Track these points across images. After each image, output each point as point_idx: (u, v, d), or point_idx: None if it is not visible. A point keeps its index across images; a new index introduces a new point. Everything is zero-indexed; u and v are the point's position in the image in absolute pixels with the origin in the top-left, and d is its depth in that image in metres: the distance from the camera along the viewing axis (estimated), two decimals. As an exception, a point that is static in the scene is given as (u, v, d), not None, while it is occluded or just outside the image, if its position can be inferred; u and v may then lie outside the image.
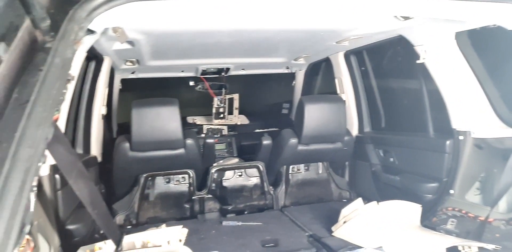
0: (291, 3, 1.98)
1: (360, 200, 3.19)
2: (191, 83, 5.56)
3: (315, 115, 3.69)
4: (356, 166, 4.34)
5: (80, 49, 2.30)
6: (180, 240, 2.74)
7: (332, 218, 3.26)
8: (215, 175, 4.02)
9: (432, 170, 3.31)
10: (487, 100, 2.96)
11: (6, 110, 1.05)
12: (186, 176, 3.91)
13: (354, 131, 4.33)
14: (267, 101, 6.61)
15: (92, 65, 3.48)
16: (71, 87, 2.38)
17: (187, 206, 3.93)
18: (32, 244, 1.69)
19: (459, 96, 3.05)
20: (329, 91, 4.79)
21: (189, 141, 3.55)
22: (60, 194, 2.32)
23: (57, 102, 1.15)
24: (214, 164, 4.26)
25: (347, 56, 4.35)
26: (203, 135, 5.22)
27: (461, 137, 3.08)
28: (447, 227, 2.91)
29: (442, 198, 3.19)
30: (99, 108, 3.58)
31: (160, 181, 3.89)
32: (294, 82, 5.76)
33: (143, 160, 3.48)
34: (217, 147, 5.28)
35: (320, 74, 5.49)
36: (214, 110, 5.49)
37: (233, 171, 4.11)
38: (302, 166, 4.32)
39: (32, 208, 1.04)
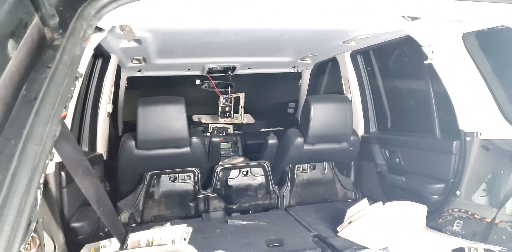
0: (298, 3, 1.97)
1: (365, 200, 3.18)
2: (197, 81, 5.58)
3: (321, 115, 3.68)
4: (362, 166, 4.33)
5: (88, 46, 2.29)
6: (185, 239, 2.74)
7: (337, 218, 3.25)
8: (220, 174, 4.01)
9: (438, 171, 3.30)
10: (494, 101, 2.94)
11: (14, 107, 1.05)
12: (191, 174, 3.91)
13: (360, 131, 4.31)
14: (273, 101, 6.61)
15: (99, 63, 3.49)
16: (78, 85, 2.38)
17: (192, 204, 3.94)
18: (38, 242, 1.69)
19: (466, 97, 3.04)
20: (335, 91, 4.78)
21: (194, 140, 3.55)
22: (66, 191, 2.33)
23: (65, 99, 1.14)
24: (220, 163, 4.27)
25: (353, 56, 4.33)
26: (208, 134, 5.21)
27: (468, 138, 3.07)
28: (453, 228, 2.89)
29: (448, 199, 3.19)
30: (105, 106, 3.59)
31: (165, 179, 3.89)
32: (300, 81, 5.75)
33: (148, 158, 3.48)
34: (223, 145, 5.28)
35: (326, 74, 5.48)
36: (220, 109, 5.50)
37: (238, 170, 4.10)
38: (307, 166, 4.32)
39: (38, 206, 1.04)
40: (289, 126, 4.50)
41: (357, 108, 4.33)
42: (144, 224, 3.67)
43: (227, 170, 4.07)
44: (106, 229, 2.76)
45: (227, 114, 5.45)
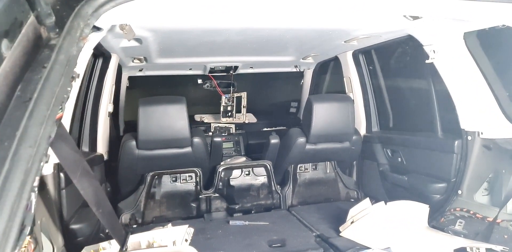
0: (299, 2, 1.96)
1: (367, 200, 3.16)
2: (199, 81, 5.57)
3: (323, 114, 3.66)
4: (364, 166, 4.31)
5: (86, 46, 2.27)
6: (186, 240, 2.72)
7: (339, 218, 3.24)
8: (222, 174, 4.00)
9: (440, 170, 3.28)
10: (495, 100, 2.93)
11: (8, 108, 1.03)
12: (193, 174, 3.90)
13: (362, 130, 4.30)
14: (275, 100, 6.59)
15: (99, 62, 3.47)
16: (76, 85, 2.37)
17: (193, 205, 3.92)
18: (33, 246, 1.67)
19: (468, 96, 3.03)
20: (337, 91, 4.76)
21: (196, 139, 3.53)
22: (64, 192, 2.30)
23: (60, 100, 1.13)
24: (222, 163, 4.25)
25: (355, 55, 4.31)
26: (210, 133, 5.20)
27: (469, 137, 3.06)
28: (455, 228, 2.88)
29: (450, 198, 3.17)
30: (106, 106, 3.58)
31: (166, 180, 3.87)
32: (302, 81, 5.74)
33: (149, 158, 3.47)
34: (225, 145, 5.26)
35: (328, 73, 5.47)
36: (222, 109, 5.48)
37: (240, 169, 4.09)
38: (309, 165, 4.30)
39: (33, 209, 1.02)
40: (291, 125, 4.48)
41: (359, 107, 4.32)
42: (145, 225, 3.65)
43: (229, 169, 4.05)
44: (106, 231, 2.74)
45: (229, 113, 5.43)
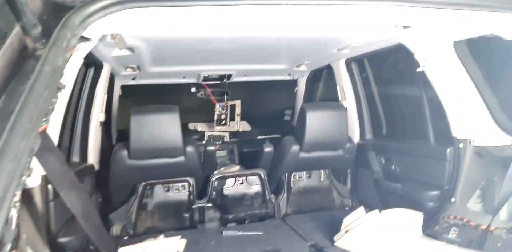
0: (291, 12, 1.95)
1: (362, 208, 3.14)
2: (193, 89, 5.54)
3: (316, 122, 3.65)
4: (358, 174, 4.30)
5: (76, 56, 2.27)
6: None
7: (334, 227, 3.21)
8: (216, 183, 3.96)
9: (433, 178, 3.28)
10: (486, 108, 2.95)
11: (-9, 120, 1.01)
12: (186, 184, 3.86)
13: (356, 138, 4.29)
14: (269, 108, 6.58)
15: (91, 71, 3.45)
16: (65, 95, 2.34)
17: (186, 215, 3.87)
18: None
19: (458, 104, 3.04)
20: (331, 98, 4.76)
21: (189, 149, 3.50)
22: (52, 205, 2.25)
23: (44, 112, 1.11)
24: (215, 172, 4.22)
25: (348, 63, 4.33)
26: (204, 142, 5.17)
27: (461, 145, 3.07)
28: (449, 236, 2.87)
29: (444, 206, 3.16)
30: (97, 115, 3.55)
31: (159, 190, 3.82)
32: (296, 89, 5.73)
33: (141, 168, 3.43)
34: (219, 154, 5.25)
35: (322, 81, 5.47)
36: (215, 117, 5.45)
37: (234, 178, 4.06)
38: (304, 174, 4.29)
39: (14, 225, 0.99)
40: (286, 133, 4.46)
41: (352, 115, 4.32)
42: (137, 236, 3.59)
43: (223, 179, 4.02)
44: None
45: (223, 122, 5.41)
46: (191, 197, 3.86)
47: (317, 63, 4.79)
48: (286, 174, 4.15)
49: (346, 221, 3.07)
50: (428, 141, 3.42)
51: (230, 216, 3.92)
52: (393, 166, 3.77)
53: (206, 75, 4.95)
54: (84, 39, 1.58)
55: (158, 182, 3.77)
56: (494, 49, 2.77)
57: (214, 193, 3.94)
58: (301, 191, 4.24)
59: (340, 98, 4.46)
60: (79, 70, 3.20)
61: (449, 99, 3.10)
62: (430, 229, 3.13)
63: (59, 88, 1.29)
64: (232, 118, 5.40)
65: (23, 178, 1.00)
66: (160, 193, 3.83)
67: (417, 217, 3.04)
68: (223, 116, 5.40)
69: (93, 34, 1.60)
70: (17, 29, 1.24)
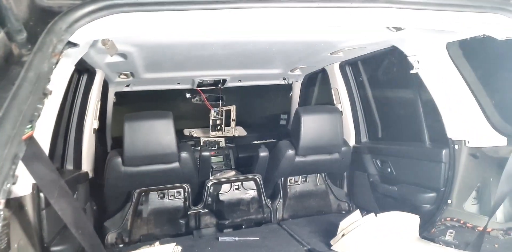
0: (284, 16, 1.95)
1: (358, 212, 3.13)
2: (188, 95, 5.54)
3: (311, 126, 3.65)
4: (354, 177, 4.28)
5: (66, 62, 2.25)
6: (173, 258, 2.66)
7: (331, 231, 3.19)
8: (211, 189, 3.94)
9: (429, 180, 3.27)
10: (480, 109, 2.95)
11: (-26, 128, 0.99)
12: (181, 190, 3.84)
13: (351, 141, 4.28)
14: (264, 113, 6.58)
15: (84, 78, 3.42)
16: (54, 102, 2.31)
17: (182, 221, 3.84)
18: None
19: (453, 105, 3.05)
20: (326, 102, 4.76)
21: (183, 154, 3.48)
22: (45, 213, 2.22)
23: (29, 118, 1.09)
24: (211, 177, 4.20)
25: (342, 67, 4.33)
26: (199, 148, 5.15)
27: (456, 146, 3.07)
28: (445, 238, 2.85)
29: (441, 208, 3.15)
30: (91, 123, 3.52)
31: (154, 196, 3.80)
32: (291, 93, 5.73)
33: (136, 175, 3.40)
34: (215, 159, 5.23)
35: (316, 85, 5.47)
36: (211, 123, 5.43)
37: (229, 184, 4.03)
38: (300, 178, 4.28)
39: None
40: (282, 138, 4.45)
41: (347, 118, 4.31)
42: (132, 244, 3.56)
43: (218, 184, 3.99)
44: None
45: (219, 127, 5.39)
46: (187, 203, 3.84)
47: (311, 67, 4.79)
48: (282, 179, 4.14)
49: (343, 224, 3.05)
50: (424, 143, 3.43)
51: (226, 222, 3.90)
52: (389, 169, 3.77)
53: (200, 81, 4.94)
54: (72, 44, 1.56)
55: (153, 188, 3.75)
56: (487, 50, 2.78)
57: (209, 199, 3.92)
58: (297, 195, 4.23)
59: (335, 102, 4.46)
60: (72, 77, 3.25)
61: (443, 100, 3.11)
62: (427, 231, 3.11)
63: (46, 94, 1.27)
64: (227, 124, 5.38)
65: (7, 185, 0.98)
66: (155, 200, 3.81)
67: (413, 220, 3.02)
68: (218, 122, 5.39)
69: (81, 39, 1.58)
70: (1, 35, 1.22)
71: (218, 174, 4.69)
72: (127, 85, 4.92)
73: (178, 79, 4.89)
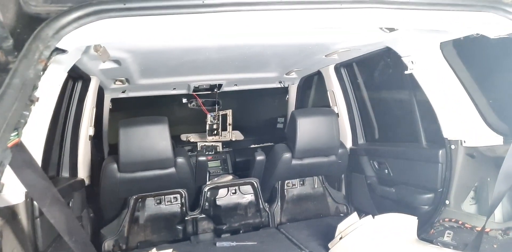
0: (272, 18, 1.94)
1: (355, 214, 3.11)
2: (184, 100, 5.54)
3: (307, 129, 3.64)
4: (352, 179, 4.27)
5: (58, 69, 2.25)
6: (170, 264, 2.64)
7: (329, 234, 3.17)
8: (208, 194, 3.91)
9: (427, 181, 3.25)
10: (475, 108, 2.94)
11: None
12: (178, 195, 3.81)
13: (348, 143, 4.27)
14: (261, 116, 6.58)
15: (78, 85, 3.42)
16: (47, 109, 2.30)
17: (179, 227, 3.81)
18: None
19: (448, 105, 3.04)
20: (322, 105, 4.75)
21: (180, 160, 3.46)
22: (39, 222, 2.20)
23: (14, 126, 1.08)
24: (208, 182, 4.18)
25: (337, 69, 4.32)
26: (196, 153, 5.14)
27: (453, 146, 3.06)
28: (444, 239, 2.84)
29: (439, 209, 3.14)
30: (86, 129, 3.51)
31: (150, 202, 3.78)
32: (287, 96, 5.72)
33: (132, 181, 3.38)
34: (212, 164, 5.21)
35: (313, 88, 5.47)
36: (207, 127, 5.44)
37: (226, 188, 4.02)
38: (297, 181, 4.25)
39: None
40: (279, 141, 4.44)
41: (344, 120, 4.30)
42: (129, 250, 3.54)
43: (215, 189, 3.97)
44: None
45: (215, 132, 5.39)
46: (184, 208, 3.81)
47: (307, 70, 4.78)
48: (279, 182, 4.12)
49: (340, 227, 3.04)
50: (420, 144, 3.41)
51: (224, 227, 3.87)
52: (386, 170, 3.75)
53: (196, 86, 4.93)
54: (60, 51, 1.55)
55: (150, 194, 3.72)
56: (481, 49, 2.78)
57: (206, 204, 3.89)
58: (295, 198, 4.21)
59: (331, 104, 4.45)
60: (66, 84, 3.25)
61: (439, 100, 3.10)
62: (426, 233, 3.10)
63: (32, 101, 1.26)
64: (224, 128, 5.39)
65: None
66: (152, 206, 3.78)
67: (411, 221, 3.00)
68: (214, 126, 5.38)
69: (69, 45, 1.57)
70: (-14, 42, 1.22)
71: (216, 179, 4.67)
72: (123, 92, 4.91)
73: (174, 85, 4.89)
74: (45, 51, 1.32)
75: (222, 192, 3.99)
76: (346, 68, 4.32)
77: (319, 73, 4.66)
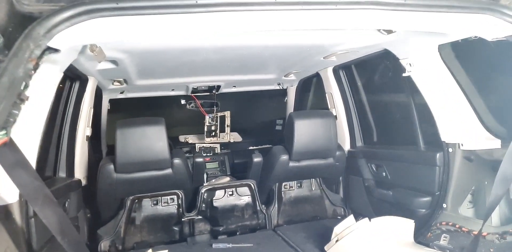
0: (270, 19, 1.94)
1: (351, 217, 3.10)
2: (183, 101, 5.53)
3: (305, 131, 3.62)
4: (350, 182, 4.25)
5: (52, 69, 2.24)
6: (164, 265, 2.63)
7: (325, 237, 3.15)
8: (205, 195, 3.90)
9: (424, 184, 3.24)
10: (473, 111, 2.93)
11: None
12: (175, 197, 3.81)
13: (346, 146, 4.25)
14: (260, 118, 6.57)
15: (76, 85, 3.41)
16: (40, 109, 2.28)
17: (176, 228, 3.81)
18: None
19: (446, 108, 3.03)
20: (321, 107, 4.74)
21: (176, 161, 3.45)
22: (33, 221, 2.19)
23: (1, 124, 1.07)
24: (205, 183, 4.17)
25: (336, 71, 4.31)
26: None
27: (450, 149, 3.04)
28: (440, 243, 2.82)
29: (436, 212, 3.12)
30: (83, 130, 3.50)
31: (147, 203, 3.77)
32: (286, 98, 5.72)
33: (128, 181, 3.37)
34: (210, 165, 5.21)
35: (311, 90, 5.47)
36: (205, 129, 5.42)
37: (223, 190, 4.01)
38: (294, 183, 4.25)
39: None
40: (277, 143, 4.44)
41: (342, 123, 4.28)
42: (125, 251, 3.53)
43: (212, 190, 3.96)
44: None
45: (213, 133, 5.37)
46: (180, 209, 3.81)
47: (305, 72, 4.77)
48: (277, 184, 4.11)
49: (337, 229, 3.02)
50: (418, 147, 3.40)
51: (221, 228, 3.86)
52: (384, 173, 3.74)
53: (194, 87, 4.93)
54: (52, 50, 1.54)
55: (146, 195, 3.72)
56: (480, 52, 2.78)
57: (203, 205, 3.88)
58: (292, 201, 4.20)
59: (329, 106, 4.44)
60: (64, 84, 3.25)
61: (437, 103, 3.09)
62: (423, 236, 3.09)
63: (22, 99, 1.25)
64: (222, 130, 5.36)
65: None
66: (148, 207, 3.78)
67: (408, 224, 2.99)
68: (213, 128, 5.37)
69: (61, 45, 1.56)
70: (-24, 41, 1.21)
71: (213, 180, 4.66)
72: (121, 92, 4.91)
73: (172, 86, 4.88)
74: (36, 50, 1.31)
75: (219, 193, 3.98)
76: (344, 70, 4.31)
77: (317, 76, 4.65)
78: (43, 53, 1.43)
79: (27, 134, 2.13)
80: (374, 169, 3.89)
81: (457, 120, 2.99)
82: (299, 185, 4.25)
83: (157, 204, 3.80)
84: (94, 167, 3.76)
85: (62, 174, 3.24)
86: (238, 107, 6.08)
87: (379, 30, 2.85)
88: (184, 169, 3.52)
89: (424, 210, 3.22)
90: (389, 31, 2.82)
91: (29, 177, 1.63)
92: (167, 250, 2.77)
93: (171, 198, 3.82)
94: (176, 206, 3.82)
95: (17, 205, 2.06)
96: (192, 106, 5.51)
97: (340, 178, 4.33)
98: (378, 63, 3.83)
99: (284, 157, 3.71)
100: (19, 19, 1.45)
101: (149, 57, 3.25)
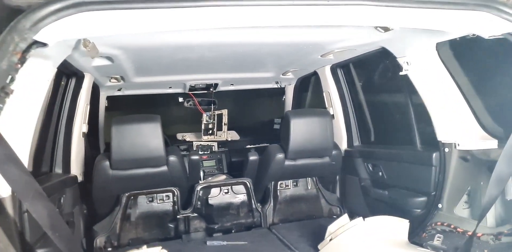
0: (265, 16, 1.92)
1: (346, 216, 3.08)
2: (180, 99, 5.51)
3: (301, 129, 3.61)
4: (346, 181, 4.24)
5: (45, 64, 2.22)
6: (158, 262, 2.62)
7: (320, 235, 3.14)
8: (201, 193, 3.89)
9: (420, 184, 3.22)
10: (470, 111, 2.91)
11: None
12: (170, 194, 3.80)
13: (343, 145, 4.24)
14: (258, 117, 6.56)
15: (72, 82, 3.41)
16: (33, 104, 2.27)
17: (171, 225, 3.81)
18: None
19: (443, 107, 3.00)
20: (319, 106, 4.72)
21: (172, 158, 3.45)
22: (27, 216, 2.18)
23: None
24: (201, 181, 4.16)
25: (333, 70, 4.29)
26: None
27: (447, 149, 3.02)
28: (433, 243, 2.80)
29: (431, 212, 3.10)
30: (79, 127, 3.50)
31: (142, 200, 3.77)
32: (284, 97, 5.70)
33: (124, 178, 3.37)
34: (207, 163, 5.19)
35: (309, 89, 5.44)
36: (203, 127, 5.40)
37: (219, 188, 4.00)
38: (290, 182, 4.23)
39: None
40: (275, 142, 4.44)
41: (339, 122, 4.27)
42: (121, 248, 3.54)
43: (208, 188, 3.95)
44: None
45: (210, 131, 5.36)
46: (176, 207, 3.80)
47: (303, 70, 4.76)
48: (273, 183, 4.10)
49: (331, 228, 3.01)
50: (415, 146, 3.37)
51: (216, 226, 3.86)
52: (380, 173, 3.72)
53: (192, 85, 4.92)
54: (40, 44, 1.53)
55: (142, 192, 3.71)
56: (478, 51, 2.75)
57: (199, 203, 3.88)
58: (287, 199, 4.18)
59: (326, 105, 4.42)
60: (60, 80, 3.24)
61: (433, 102, 3.07)
62: (418, 236, 3.06)
63: (7, 93, 1.24)
64: (219, 128, 5.35)
65: None
66: (143, 204, 3.78)
67: (403, 224, 2.97)
68: (210, 126, 5.35)
69: (49, 39, 1.54)
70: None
71: (210, 178, 4.65)
72: (119, 90, 4.90)
73: (170, 83, 4.87)
74: (21, 43, 1.30)
75: (214, 191, 3.97)
76: (342, 69, 4.29)
77: (315, 74, 4.63)
78: (30, 47, 1.41)
79: (18, 129, 2.12)
80: (371, 168, 3.87)
81: (454, 119, 2.97)
82: (295, 183, 4.24)
83: (152, 201, 3.79)
84: (91, 164, 3.75)
85: (58, 170, 3.24)
86: (236, 106, 6.07)
87: (376, 27, 2.82)
88: (179, 166, 3.51)
89: (419, 210, 3.21)
90: (386, 29, 2.80)
91: (19, 172, 1.62)
92: (160, 247, 2.75)
93: (166, 195, 3.81)
94: (172, 203, 3.82)
95: (9, 200, 2.05)
96: (190, 104, 5.50)
97: (337, 177, 4.31)
98: (376, 62, 3.81)
99: (280, 156, 3.69)
100: (7, 12, 1.44)
101: (143, 53, 3.24)
